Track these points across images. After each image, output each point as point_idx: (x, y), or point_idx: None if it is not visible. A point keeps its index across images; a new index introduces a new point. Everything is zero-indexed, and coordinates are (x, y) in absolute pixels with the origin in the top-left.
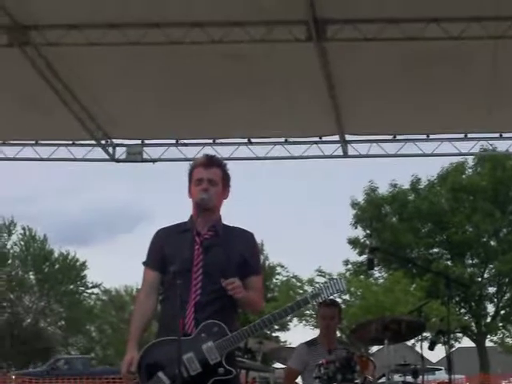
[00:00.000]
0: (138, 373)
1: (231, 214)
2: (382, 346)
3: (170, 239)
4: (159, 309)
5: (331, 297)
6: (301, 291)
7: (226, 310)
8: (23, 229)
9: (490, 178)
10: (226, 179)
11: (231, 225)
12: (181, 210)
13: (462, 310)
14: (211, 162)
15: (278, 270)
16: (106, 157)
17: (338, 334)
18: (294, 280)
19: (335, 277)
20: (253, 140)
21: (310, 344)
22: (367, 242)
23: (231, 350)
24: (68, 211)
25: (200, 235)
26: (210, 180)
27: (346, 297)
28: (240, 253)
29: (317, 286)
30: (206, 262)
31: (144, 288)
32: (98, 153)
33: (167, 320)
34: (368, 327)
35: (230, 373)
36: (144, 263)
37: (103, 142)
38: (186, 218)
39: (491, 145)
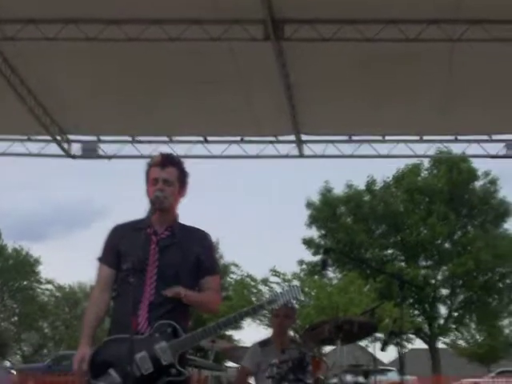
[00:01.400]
0: (89, 370)
1: (186, 212)
2: (334, 347)
3: (126, 236)
4: (112, 305)
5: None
6: (255, 290)
7: (179, 310)
8: None
9: (445, 181)
10: (182, 178)
11: (187, 224)
12: (137, 207)
13: (416, 312)
14: (167, 161)
15: (233, 269)
16: (62, 153)
17: (292, 333)
18: (248, 279)
19: (293, 283)
20: (209, 138)
21: (263, 344)
22: (322, 243)
23: (184, 351)
24: (23, 207)
25: (157, 234)
26: (166, 180)
27: (300, 297)
28: (195, 253)
29: (273, 292)
30: (162, 262)
31: (98, 284)
32: (54, 149)
33: (119, 317)
34: (321, 327)
35: (183, 374)
36: (98, 259)
37: (58, 137)
38: (142, 215)
39: (446, 147)
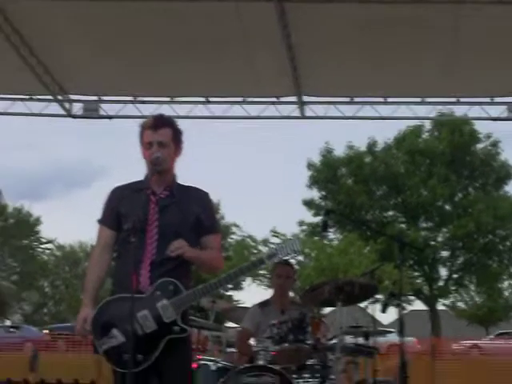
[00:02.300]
0: (92, 330)
1: (187, 172)
2: (334, 308)
3: (126, 197)
4: (113, 266)
5: (286, 258)
6: (255, 251)
7: (180, 268)
8: None
9: (447, 143)
10: (176, 137)
11: (186, 184)
12: (137, 167)
13: (416, 274)
14: (159, 123)
15: (233, 229)
16: (63, 112)
17: (292, 294)
18: (248, 240)
19: (290, 237)
20: (210, 99)
21: (263, 305)
22: (322, 204)
23: (186, 308)
24: (24, 166)
25: (156, 194)
26: (160, 142)
27: (301, 258)
28: (195, 212)
29: (272, 246)
30: (162, 221)
31: (98, 245)
32: (55, 108)
33: (120, 277)
34: (321, 289)
35: (185, 331)
36: (99, 221)
37: (60, 97)
38: (142, 176)
39: (448, 109)
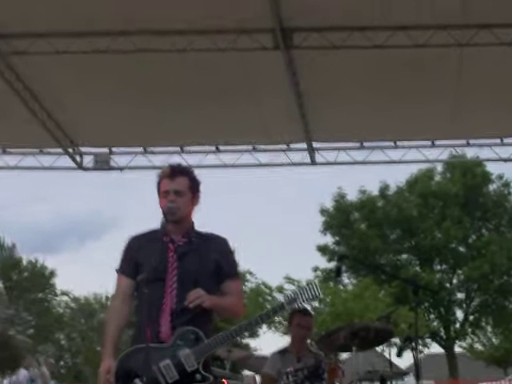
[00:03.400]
0: (115, 381)
1: (200, 222)
2: (350, 353)
3: (143, 246)
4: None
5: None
6: (270, 298)
7: (201, 316)
8: None
9: (460, 185)
10: (193, 187)
11: (204, 231)
12: (149, 218)
13: (431, 316)
14: (176, 172)
15: (247, 277)
16: (74, 165)
17: (308, 341)
18: (262, 287)
19: (310, 282)
20: (221, 148)
21: (282, 352)
22: (336, 249)
23: (208, 356)
24: (36, 219)
25: (174, 242)
26: (177, 191)
27: (316, 304)
28: (214, 259)
29: (291, 292)
30: (181, 269)
31: (117, 296)
32: (66, 161)
33: (140, 327)
34: (337, 334)
35: (208, 379)
36: (117, 270)
37: (70, 150)
38: (155, 226)
39: (459, 152)
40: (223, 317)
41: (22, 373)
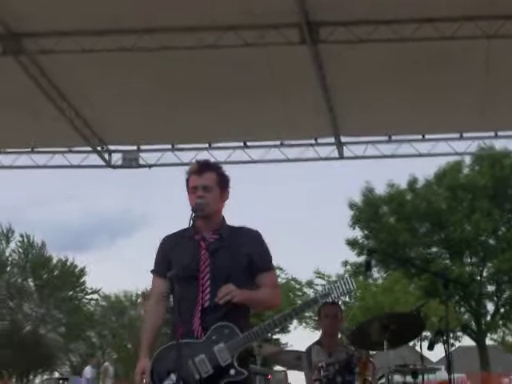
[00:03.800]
0: (151, 380)
1: (228, 218)
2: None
3: (176, 245)
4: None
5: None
6: (300, 293)
7: (235, 311)
8: (21, 236)
9: (488, 177)
10: (222, 182)
11: (236, 225)
12: (178, 215)
13: (462, 309)
14: (203, 167)
15: (277, 272)
16: (102, 163)
17: (339, 335)
18: (292, 282)
19: (344, 276)
20: (248, 143)
21: (316, 345)
22: (365, 243)
23: (242, 350)
24: (66, 218)
25: (205, 240)
26: (205, 186)
27: (346, 298)
28: (246, 253)
29: (326, 285)
30: (213, 266)
31: (153, 296)
32: (94, 159)
33: (173, 326)
34: (368, 329)
35: (242, 374)
36: (152, 271)
37: (99, 148)
38: (184, 222)
39: (487, 144)
40: (260, 310)
41: (89, 370)
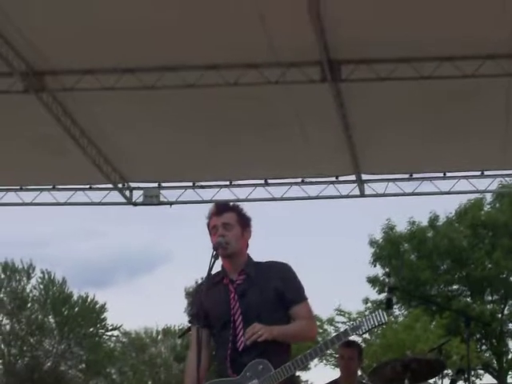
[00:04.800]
0: None
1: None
2: None
3: (208, 293)
4: None
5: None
6: (320, 330)
7: (272, 349)
8: (42, 272)
9: (509, 214)
10: (242, 220)
11: (263, 261)
12: (199, 252)
13: (483, 347)
14: (222, 208)
15: None
16: (123, 200)
17: (360, 373)
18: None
19: (375, 310)
20: (269, 181)
21: None
22: (386, 280)
23: None
24: (86, 254)
25: (233, 282)
26: (225, 224)
27: (367, 335)
28: (274, 287)
29: (358, 319)
30: (244, 308)
31: (191, 346)
32: (115, 196)
33: (217, 372)
34: (388, 367)
35: None
36: (189, 322)
37: (120, 185)
38: (204, 260)
39: (508, 182)
40: (295, 342)
41: None
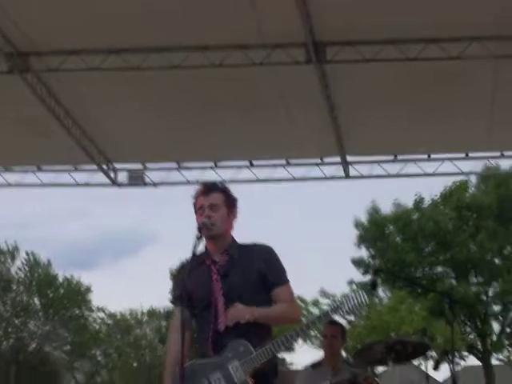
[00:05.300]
0: None
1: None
2: (387, 367)
3: (191, 274)
4: None
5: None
6: (305, 312)
7: (254, 330)
8: (27, 254)
9: (494, 196)
10: (229, 201)
11: (247, 243)
12: (185, 233)
13: (468, 329)
14: (210, 188)
15: None
16: (108, 181)
17: (344, 354)
18: (298, 301)
19: (356, 290)
20: (254, 163)
21: (316, 366)
22: (371, 262)
23: (257, 367)
24: (72, 236)
25: (216, 264)
26: (212, 205)
27: (351, 317)
28: (257, 269)
29: (337, 299)
30: (226, 289)
31: (172, 326)
32: (100, 177)
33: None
34: (373, 348)
35: None
36: (171, 302)
37: (105, 166)
38: (189, 241)
39: (493, 164)
40: (278, 325)
41: None
